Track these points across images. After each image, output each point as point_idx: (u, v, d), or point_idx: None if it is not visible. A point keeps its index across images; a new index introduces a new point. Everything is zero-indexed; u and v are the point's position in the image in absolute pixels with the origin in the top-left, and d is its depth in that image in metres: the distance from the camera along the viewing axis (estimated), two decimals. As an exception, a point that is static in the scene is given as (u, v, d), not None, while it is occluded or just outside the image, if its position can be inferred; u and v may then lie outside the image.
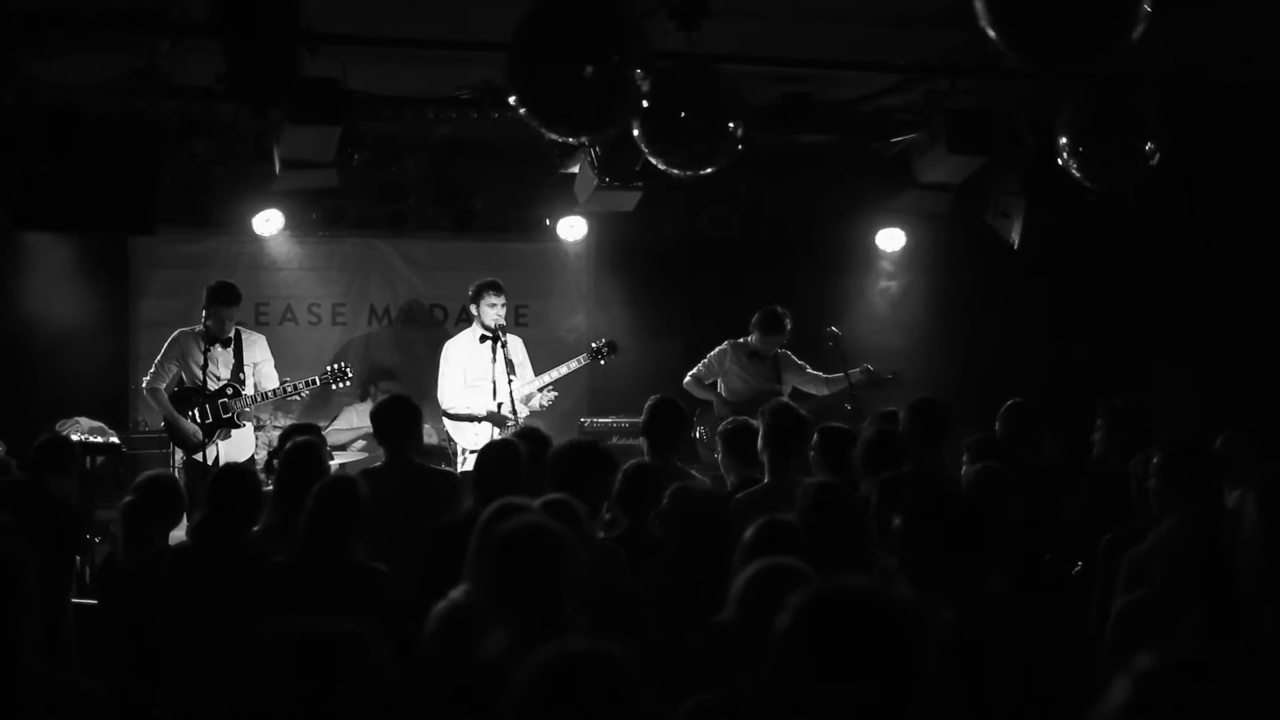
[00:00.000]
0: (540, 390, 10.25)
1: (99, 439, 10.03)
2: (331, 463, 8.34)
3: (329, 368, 10.35)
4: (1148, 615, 4.54)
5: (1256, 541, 4.71)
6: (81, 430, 10.20)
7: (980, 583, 4.33)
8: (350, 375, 10.44)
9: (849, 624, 2.79)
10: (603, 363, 10.77)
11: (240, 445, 10.09)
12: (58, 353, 11.24)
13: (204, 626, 5.52)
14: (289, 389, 10.12)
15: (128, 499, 6.32)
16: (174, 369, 10.01)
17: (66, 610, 6.54)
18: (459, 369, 10.16)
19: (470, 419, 9.98)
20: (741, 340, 10.68)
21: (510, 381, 9.75)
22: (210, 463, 9.47)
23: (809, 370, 10.77)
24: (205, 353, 9.76)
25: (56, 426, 10.26)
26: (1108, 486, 6.88)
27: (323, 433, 8.97)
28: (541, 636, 3.57)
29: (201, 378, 9.75)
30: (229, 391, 9.87)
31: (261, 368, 10.12)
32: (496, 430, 9.56)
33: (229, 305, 9.91)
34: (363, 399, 11.67)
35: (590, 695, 2.76)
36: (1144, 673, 2.20)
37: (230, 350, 9.97)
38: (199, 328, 9.95)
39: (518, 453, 6.36)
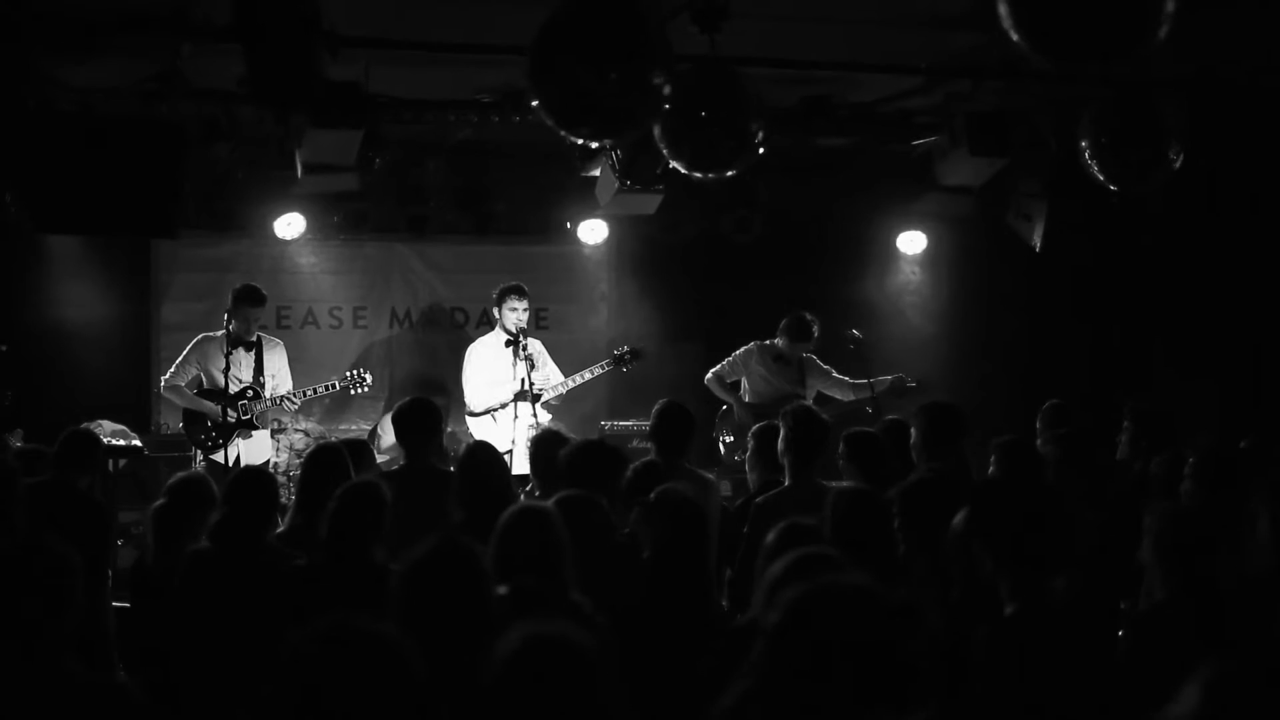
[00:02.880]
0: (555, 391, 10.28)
1: (121, 442, 10.05)
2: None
3: (349, 373, 10.44)
4: (1159, 624, 4.52)
5: (1265, 551, 4.70)
6: (103, 433, 10.21)
7: (1044, 584, 4.34)
8: (369, 380, 10.51)
9: (836, 620, 2.87)
10: (625, 370, 10.77)
11: (259, 447, 10.16)
12: (80, 356, 11.28)
13: (221, 629, 5.52)
14: (308, 393, 10.20)
15: (159, 502, 6.33)
16: (194, 371, 10.09)
17: (105, 610, 6.54)
18: (483, 371, 10.21)
19: (500, 408, 10.04)
20: (768, 342, 10.67)
21: (531, 385, 9.77)
22: (230, 464, 9.52)
23: (834, 375, 10.74)
24: (228, 356, 9.79)
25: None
26: (1132, 488, 6.86)
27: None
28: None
29: (223, 381, 9.79)
30: (249, 394, 9.93)
31: (278, 377, 10.18)
32: (528, 413, 9.60)
33: (255, 306, 10.01)
34: (389, 408, 11.68)
35: (551, 677, 2.83)
36: (1215, 677, 2.21)
37: (252, 354, 10.04)
38: (221, 332, 10.00)
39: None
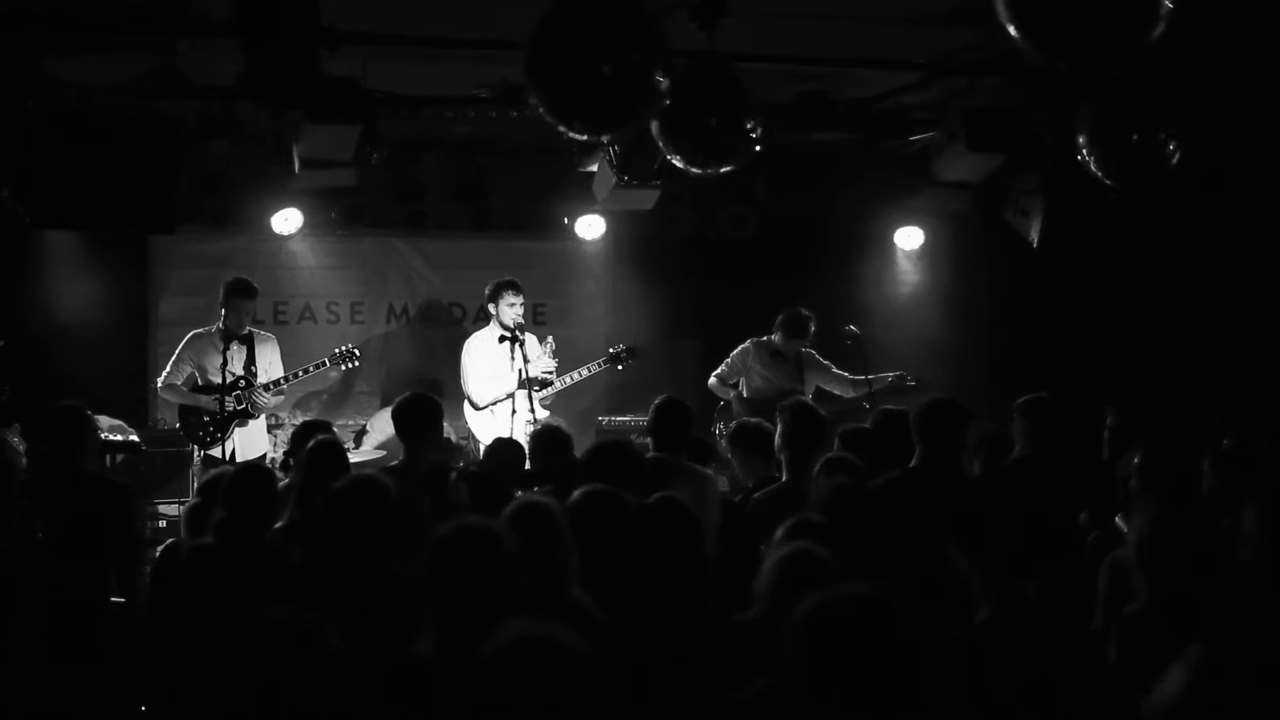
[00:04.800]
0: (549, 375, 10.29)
1: (119, 437, 10.03)
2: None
3: (336, 350, 10.43)
4: (1145, 628, 4.51)
5: (1254, 544, 4.70)
6: (101, 429, 10.18)
7: (1017, 585, 4.33)
8: (359, 356, 10.55)
9: (851, 632, 2.85)
10: (620, 368, 10.81)
11: (254, 441, 10.15)
12: (77, 351, 11.25)
13: (217, 623, 5.49)
14: (299, 373, 10.17)
15: (193, 500, 6.31)
16: (188, 369, 10.06)
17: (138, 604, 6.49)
18: (483, 365, 10.21)
19: (505, 398, 10.05)
20: (764, 339, 10.66)
21: (529, 378, 9.78)
22: (227, 457, 9.51)
23: (834, 370, 10.73)
24: (224, 352, 9.79)
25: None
26: (1116, 487, 6.84)
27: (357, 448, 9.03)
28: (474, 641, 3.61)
29: (221, 377, 9.78)
30: (241, 384, 9.91)
31: (270, 371, 10.16)
32: (526, 408, 9.62)
33: (248, 299, 10.00)
34: (385, 404, 11.66)
35: (543, 677, 2.84)
36: (1199, 663, 2.22)
37: (245, 348, 10.01)
38: (215, 328, 10.01)
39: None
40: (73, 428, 6.92)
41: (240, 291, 9.98)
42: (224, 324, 9.93)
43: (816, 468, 6.34)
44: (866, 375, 10.32)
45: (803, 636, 2.89)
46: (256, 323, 10.44)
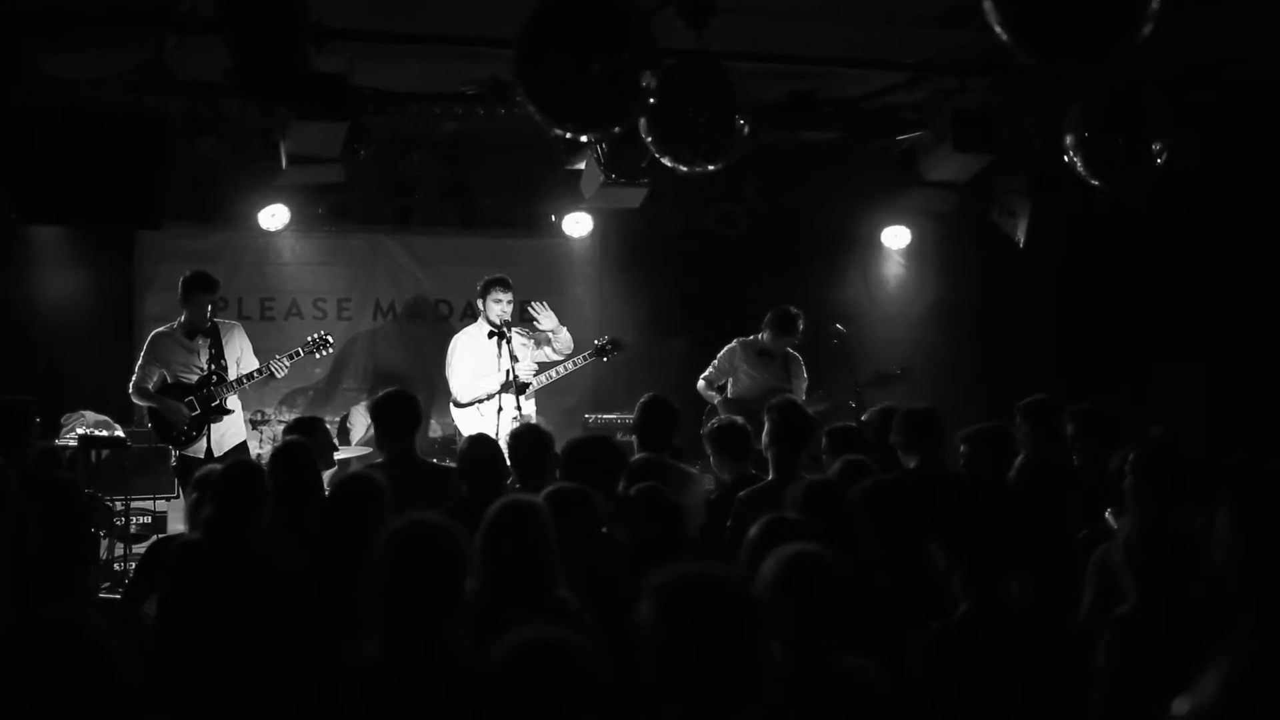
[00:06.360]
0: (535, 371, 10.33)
1: (104, 433, 10.00)
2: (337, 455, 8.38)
3: (309, 338, 10.31)
4: (1135, 630, 4.52)
5: (1227, 547, 4.72)
6: (87, 424, 10.19)
7: (998, 585, 4.34)
8: (331, 341, 10.44)
9: (681, 609, 3.15)
10: (606, 360, 10.80)
11: (233, 431, 10.04)
12: (63, 346, 11.24)
13: (206, 620, 5.49)
14: (274, 366, 10.02)
15: (193, 496, 6.30)
16: (157, 370, 9.88)
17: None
18: (469, 362, 10.20)
19: (486, 399, 10.04)
20: (751, 338, 10.64)
21: (516, 377, 9.77)
22: (206, 455, 9.41)
23: (805, 382, 10.65)
24: (188, 348, 9.76)
25: (61, 420, 10.26)
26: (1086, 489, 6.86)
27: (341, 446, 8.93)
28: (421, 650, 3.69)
29: (188, 373, 9.74)
30: (213, 380, 9.78)
31: (243, 360, 10.05)
32: (512, 405, 9.60)
33: (207, 292, 9.82)
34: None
35: (550, 681, 2.95)
36: (1232, 671, 2.24)
37: (210, 341, 9.84)
38: (175, 324, 9.91)
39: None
40: (19, 423, 6.87)
41: (198, 285, 9.82)
42: (185, 319, 9.85)
43: (836, 468, 6.36)
44: (856, 385, 10.34)
45: (650, 603, 3.16)
46: (242, 318, 10.38)
